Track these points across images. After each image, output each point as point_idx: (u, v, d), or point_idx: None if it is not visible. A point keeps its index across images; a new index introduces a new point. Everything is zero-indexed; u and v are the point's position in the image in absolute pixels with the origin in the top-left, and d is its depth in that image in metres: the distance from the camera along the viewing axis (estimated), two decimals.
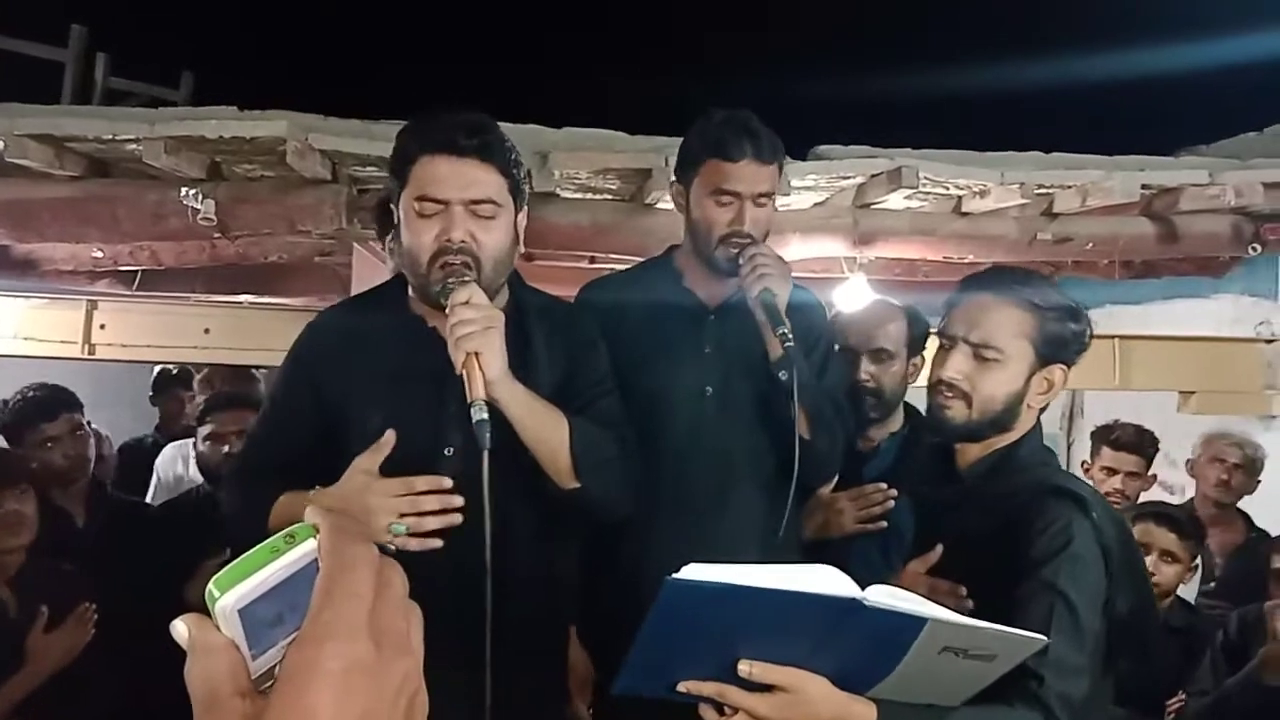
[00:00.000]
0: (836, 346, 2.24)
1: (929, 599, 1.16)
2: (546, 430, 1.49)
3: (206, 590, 0.44)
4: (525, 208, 1.58)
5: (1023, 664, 1.21)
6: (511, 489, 1.47)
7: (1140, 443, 3.15)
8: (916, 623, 1.10)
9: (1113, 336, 3.68)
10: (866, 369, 2.17)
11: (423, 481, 1.40)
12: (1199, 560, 2.69)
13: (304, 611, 0.42)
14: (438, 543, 1.38)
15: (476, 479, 1.35)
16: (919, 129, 3.10)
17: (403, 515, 1.38)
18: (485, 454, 1.33)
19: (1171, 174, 3.12)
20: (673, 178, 1.93)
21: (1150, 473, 3.20)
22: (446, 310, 1.40)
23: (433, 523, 1.39)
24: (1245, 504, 3.39)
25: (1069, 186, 3.08)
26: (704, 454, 1.81)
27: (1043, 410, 1.53)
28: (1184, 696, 2.45)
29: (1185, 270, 3.84)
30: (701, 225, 1.83)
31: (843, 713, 1.17)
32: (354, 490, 1.40)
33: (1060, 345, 1.46)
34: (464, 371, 1.37)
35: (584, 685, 1.87)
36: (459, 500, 1.40)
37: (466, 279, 1.42)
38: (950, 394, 1.47)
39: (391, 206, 1.56)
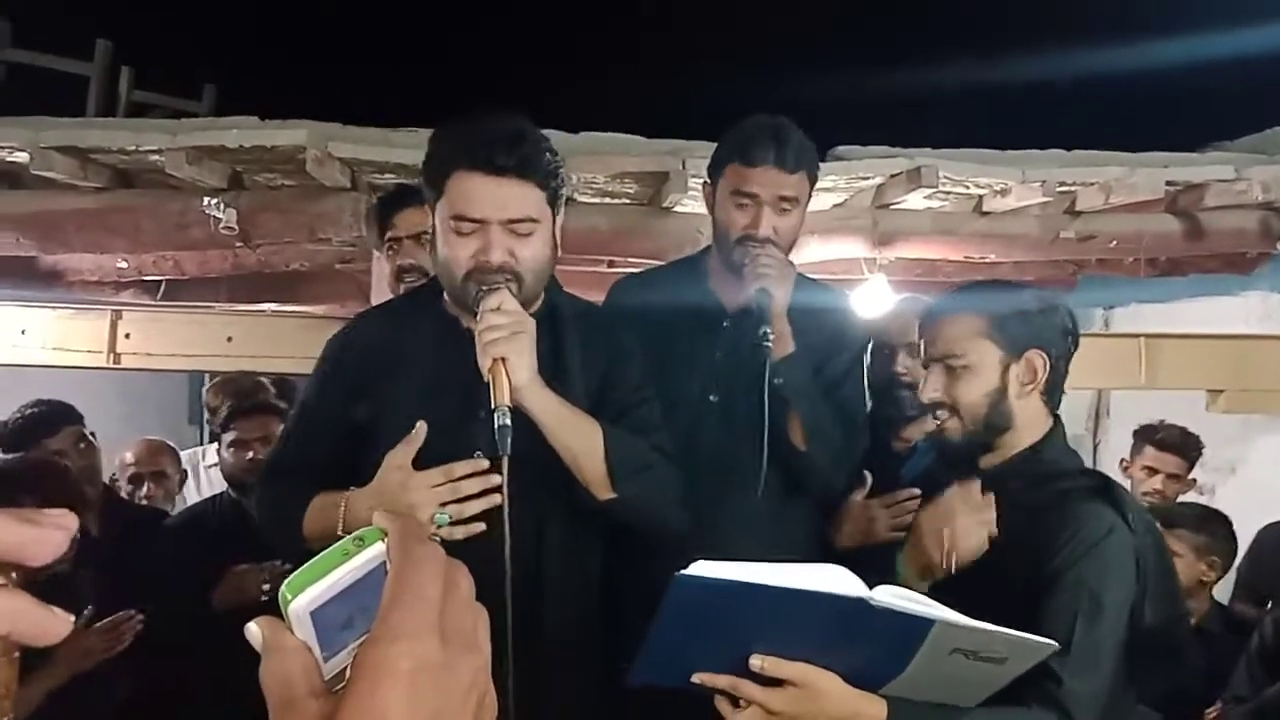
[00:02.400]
0: (871, 344, 2.21)
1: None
2: (578, 438, 1.46)
3: (280, 593, 0.44)
4: (563, 211, 1.55)
5: (1043, 664, 1.20)
6: (546, 496, 1.47)
7: (1185, 444, 3.10)
8: (924, 624, 1.11)
9: (1139, 335, 3.63)
10: (904, 362, 2.15)
11: (461, 467, 1.39)
12: (1223, 561, 2.64)
13: (373, 614, 0.43)
14: (481, 526, 1.37)
15: (511, 479, 1.35)
16: (939, 128, 3.08)
17: (444, 504, 1.37)
18: (505, 460, 1.33)
19: (1196, 169, 3.08)
20: (705, 179, 1.93)
21: (1190, 476, 3.16)
22: (477, 316, 1.40)
23: (475, 506, 1.38)
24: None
25: (1092, 184, 3.04)
26: (704, 461, 1.79)
27: (1055, 406, 1.52)
28: (1219, 704, 2.40)
29: (1212, 267, 3.78)
30: (721, 226, 1.84)
31: (853, 709, 1.18)
32: (392, 486, 1.39)
33: (1027, 333, 1.47)
34: (490, 377, 1.36)
35: None
36: (497, 479, 1.38)
37: (498, 285, 1.41)
38: (940, 414, 1.50)
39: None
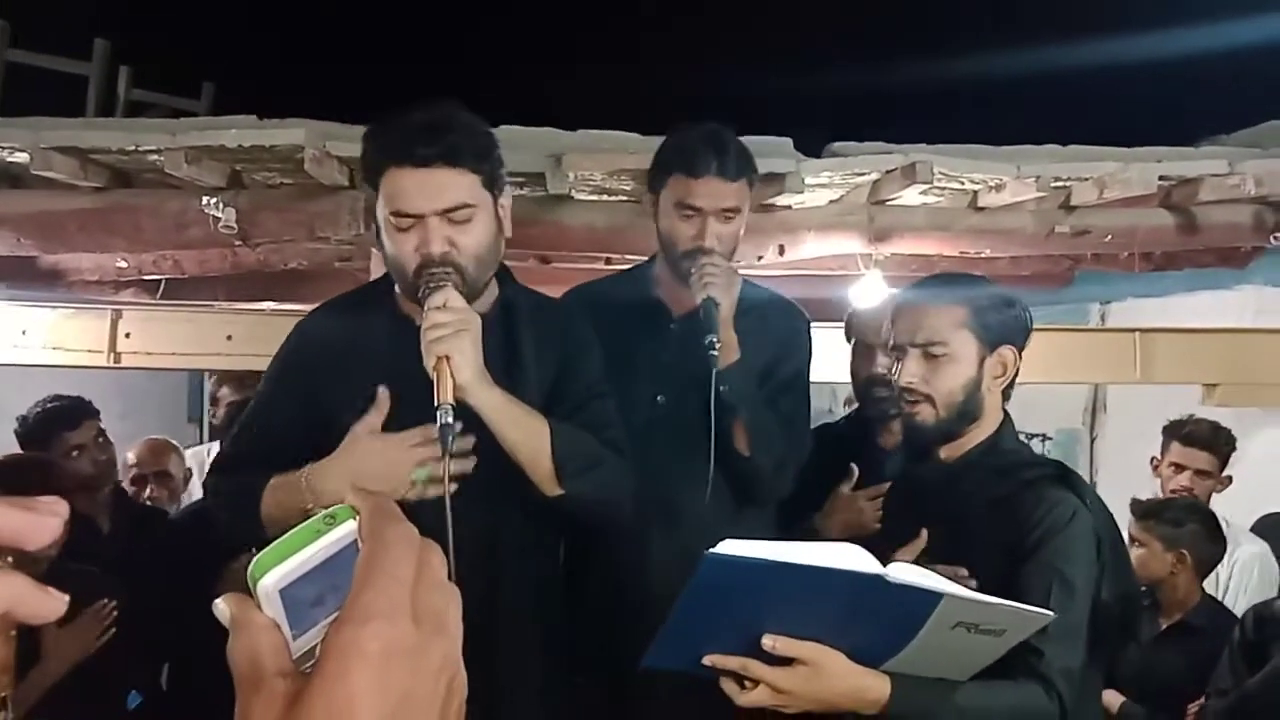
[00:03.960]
0: (852, 344, 2.25)
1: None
2: (525, 435, 1.48)
3: (248, 570, 0.44)
4: (506, 191, 1.55)
5: (1025, 640, 1.26)
6: (501, 494, 1.48)
7: (1214, 439, 3.04)
8: (933, 598, 1.15)
9: (1133, 330, 3.65)
10: (881, 361, 2.18)
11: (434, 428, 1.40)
12: (1196, 555, 2.63)
13: (344, 593, 0.43)
14: (454, 486, 1.38)
15: (467, 479, 1.37)
16: (933, 123, 3.10)
17: (423, 462, 1.39)
18: (447, 459, 1.33)
19: (1190, 164, 3.09)
20: (646, 189, 1.94)
21: (1225, 474, 3.09)
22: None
23: (454, 467, 1.39)
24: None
25: (1086, 179, 3.05)
26: (652, 462, 1.80)
27: (1007, 398, 1.58)
28: (1204, 698, 2.42)
29: (1206, 262, 3.79)
30: (667, 238, 1.86)
31: (859, 685, 1.23)
32: (365, 452, 1.40)
33: (1001, 328, 1.53)
34: (435, 374, 1.37)
35: None
36: (471, 440, 1.40)
37: (444, 283, 1.42)
38: (913, 399, 1.53)
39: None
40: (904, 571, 1.15)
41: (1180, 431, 3.09)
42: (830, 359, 2.34)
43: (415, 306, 1.54)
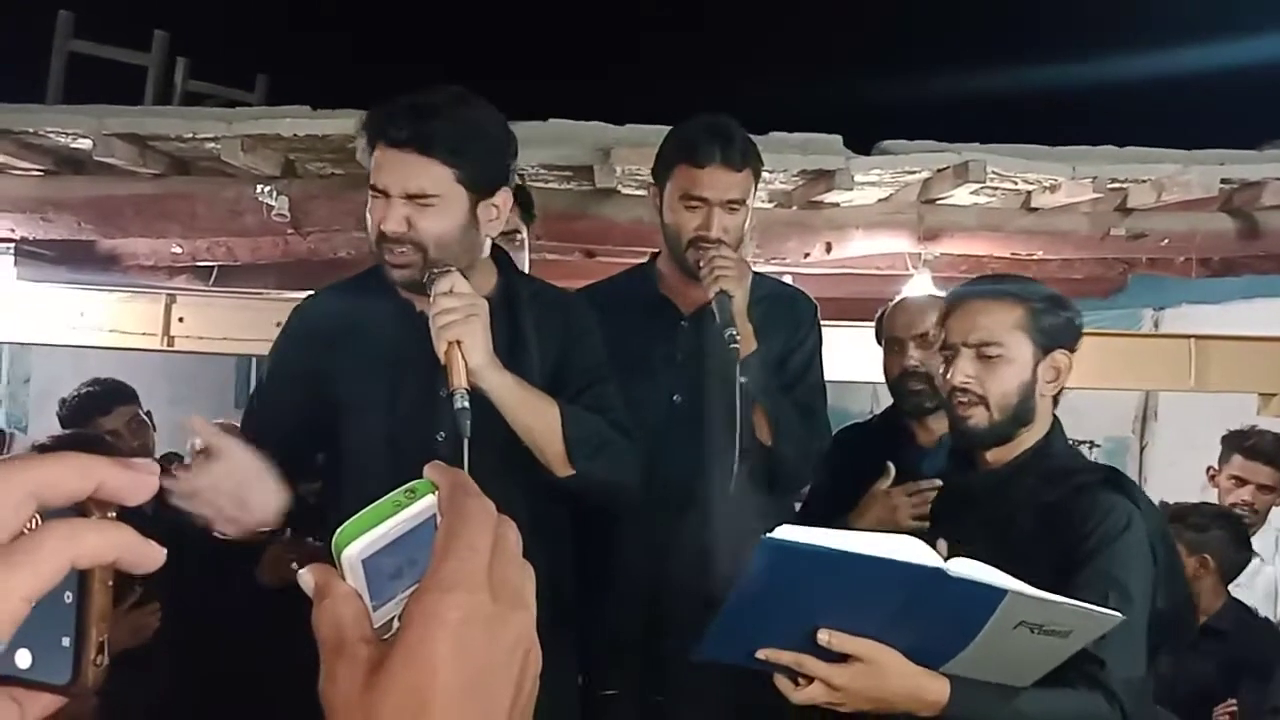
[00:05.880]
0: (883, 340, 2.22)
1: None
2: (536, 417, 1.49)
3: (333, 541, 0.45)
4: (501, 192, 1.53)
5: (1084, 650, 1.22)
6: (508, 477, 1.46)
7: (1278, 452, 2.91)
8: (996, 594, 1.11)
9: (1188, 336, 3.56)
10: (913, 354, 2.15)
11: None
12: (1220, 561, 2.56)
13: (422, 566, 0.43)
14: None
15: (472, 464, 1.37)
16: (988, 124, 3.05)
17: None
18: (465, 442, 1.34)
19: (1254, 168, 3.01)
20: (650, 182, 1.93)
21: None
22: (430, 299, 1.41)
23: None
24: None
25: (1144, 181, 2.99)
26: (672, 462, 1.80)
27: (1056, 403, 1.55)
28: (1233, 703, 2.36)
29: (1267, 268, 3.70)
30: (672, 230, 1.83)
31: (916, 686, 1.20)
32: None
33: (1056, 332, 1.50)
34: (446, 360, 1.38)
35: None
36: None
37: (448, 268, 1.43)
38: (966, 400, 1.49)
39: None
40: (967, 566, 1.11)
41: (1243, 444, 2.96)
42: (873, 360, 2.31)
43: (413, 292, 1.53)
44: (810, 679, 1.18)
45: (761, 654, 1.18)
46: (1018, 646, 1.16)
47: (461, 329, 1.38)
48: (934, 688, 1.20)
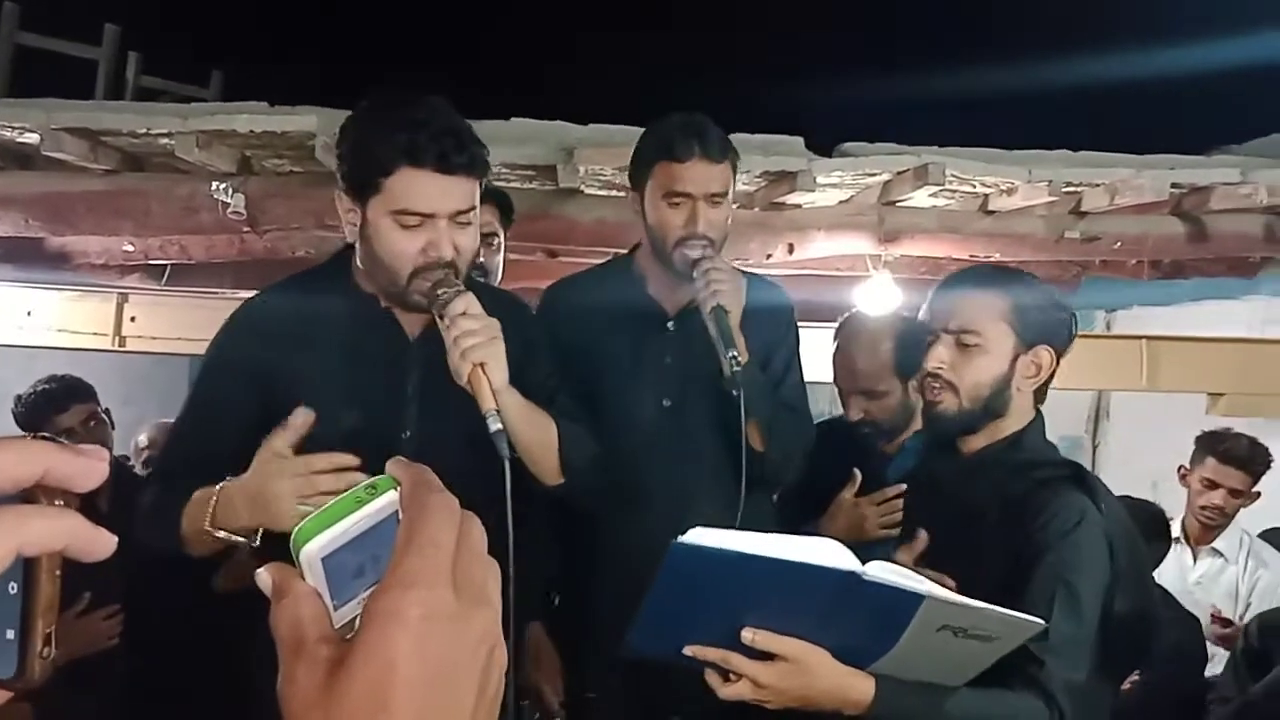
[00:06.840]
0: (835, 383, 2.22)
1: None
2: (539, 432, 1.51)
3: (291, 538, 0.44)
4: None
5: (1024, 648, 1.21)
6: (473, 484, 1.45)
7: (1251, 458, 2.87)
8: (914, 599, 1.11)
9: (1140, 337, 3.64)
10: (863, 407, 2.14)
11: (321, 460, 1.32)
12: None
13: (385, 563, 0.42)
14: None
15: (438, 462, 1.33)
16: (946, 127, 3.09)
17: (304, 497, 1.30)
18: (506, 463, 1.31)
19: (1202, 172, 3.08)
20: (628, 184, 1.90)
21: (1254, 490, 2.92)
22: (440, 319, 1.38)
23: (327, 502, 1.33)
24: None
25: (1098, 185, 3.05)
26: (662, 464, 1.80)
27: (1041, 400, 1.53)
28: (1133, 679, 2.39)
29: (1215, 271, 3.79)
30: (657, 229, 1.80)
31: (842, 685, 1.20)
32: (266, 472, 1.31)
33: (1042, 328, 1.47)
34: (471, 382, 1.35)
35: (553, 677, 1.87)
36: (359, 476, 1.28)
37: (461, 289, 1.40)
38: (938, 385, 1.48)
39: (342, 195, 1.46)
40: (883, 570, 1.12)
41: (1218, 447, 2.91)
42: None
43: (378, 289, 1.50)
44: (739, 676, 1.18)
45: (689, 650, 1.18)
46: (944, 648, 1.16)
47: (486, 351, 1.36)
48: (860, 687, 1.20)
